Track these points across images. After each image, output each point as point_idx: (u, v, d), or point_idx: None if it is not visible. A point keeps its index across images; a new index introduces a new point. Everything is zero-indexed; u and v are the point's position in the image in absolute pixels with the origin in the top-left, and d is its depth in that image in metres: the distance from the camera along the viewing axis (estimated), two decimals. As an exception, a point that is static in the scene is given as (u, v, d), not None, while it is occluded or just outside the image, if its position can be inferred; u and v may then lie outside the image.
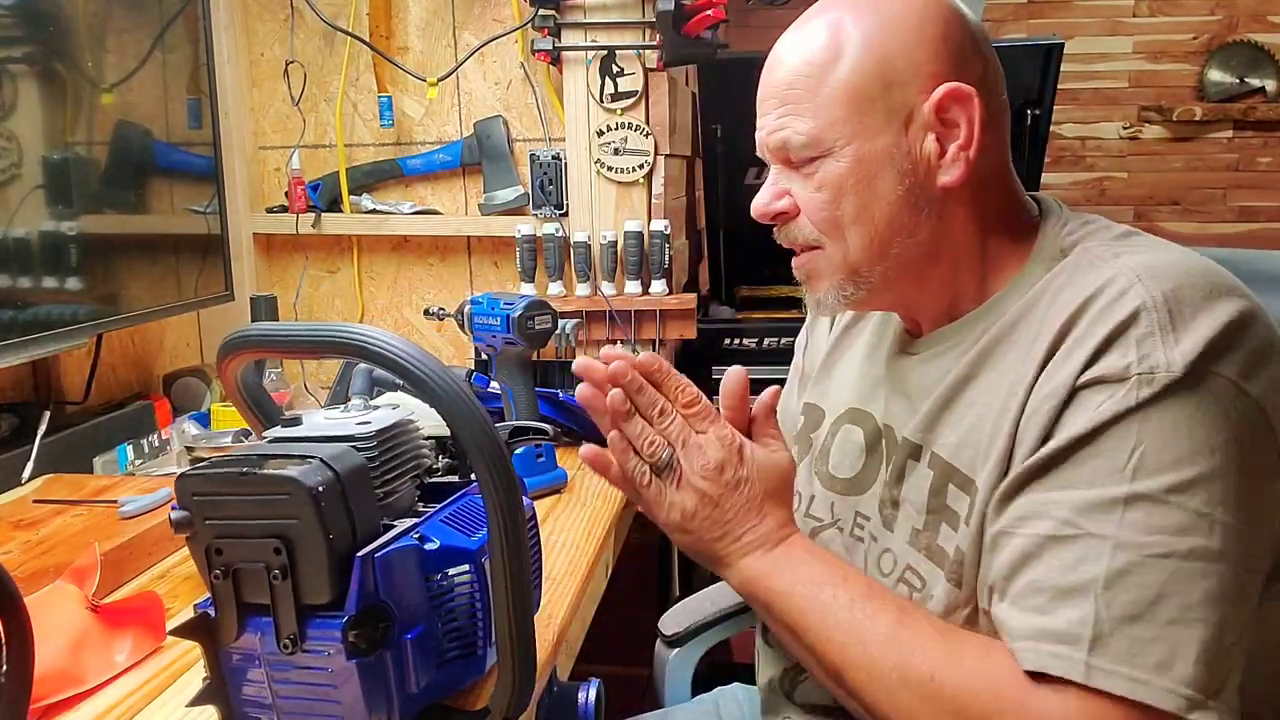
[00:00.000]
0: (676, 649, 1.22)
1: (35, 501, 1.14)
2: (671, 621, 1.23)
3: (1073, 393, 0.66)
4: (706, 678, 1.23)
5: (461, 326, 1.43)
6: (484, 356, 1.52)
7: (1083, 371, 0.66)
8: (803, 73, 0.77)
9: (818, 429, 0.92)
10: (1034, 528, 0.66)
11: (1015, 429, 0.70)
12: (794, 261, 0.82)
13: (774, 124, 0.79)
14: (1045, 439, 0.67)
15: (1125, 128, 3.63)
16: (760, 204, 0.81)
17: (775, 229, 0.82)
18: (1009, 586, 0.67)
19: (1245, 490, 0.64)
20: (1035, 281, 0.76)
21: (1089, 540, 0.63)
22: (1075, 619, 0.62)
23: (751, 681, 1.03)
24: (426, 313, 1.59)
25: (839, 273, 0.79)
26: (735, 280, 2.26)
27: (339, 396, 1.52)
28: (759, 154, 0.83)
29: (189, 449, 1.42)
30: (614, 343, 1.79)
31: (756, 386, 0.83)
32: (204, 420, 1.53)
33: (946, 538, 0.74)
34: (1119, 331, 0.66)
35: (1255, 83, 3.54)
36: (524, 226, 1.80)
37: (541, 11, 1.70)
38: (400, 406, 0.77)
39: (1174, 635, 0.61)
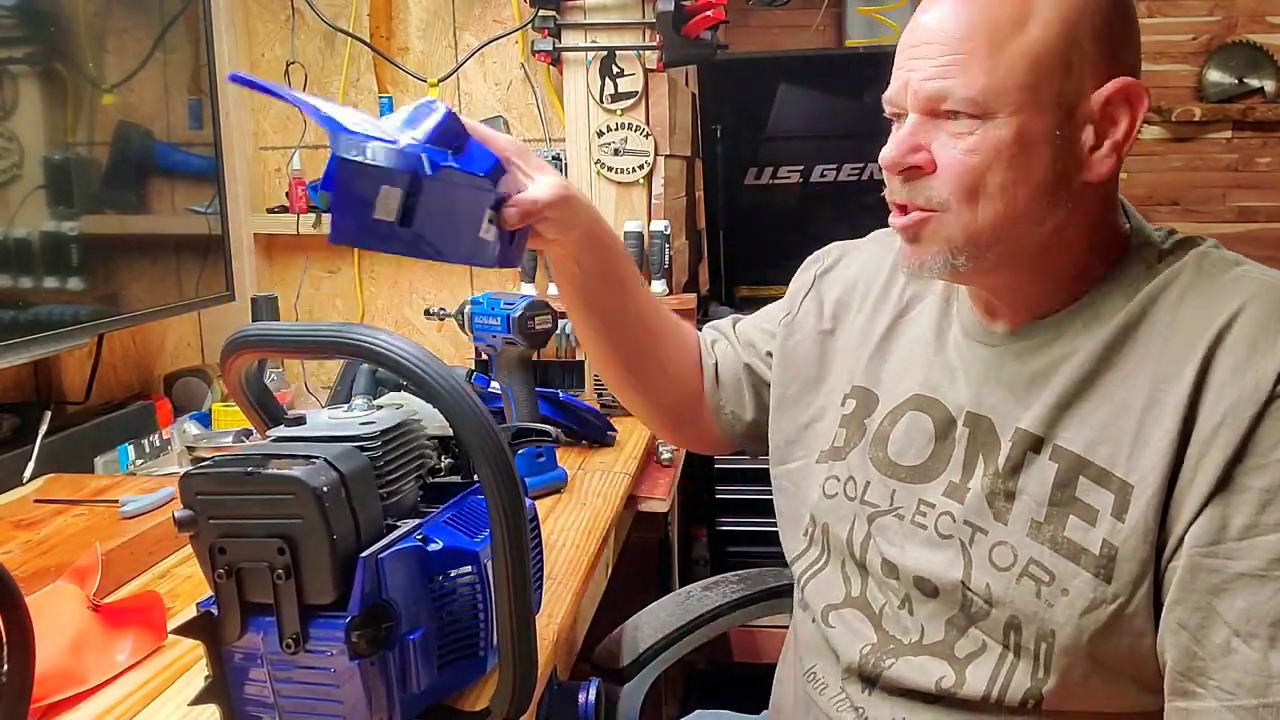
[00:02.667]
0: (628, 683, 1.09)
1: (36, 501, 1.14)
2: (612, 654, 1.10)
3: (1271, 399, 0.68)
4: (701, 683, 1.18)
5: (462, 326, 1.43)
6: (484, 356, 1.52)
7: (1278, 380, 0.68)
8: (984, 26, 0.73)
9: (871, 414, 0.90)
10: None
11: (1182, 429, 0.70)
12: (902, 220, 0.77)
13: (934, 70, 0.73)
14: (1245, 442, 0.68)
15: (1125, 128, 3.63)
16: (894, 154, 0.75)
17: (889, 182, 0.78)
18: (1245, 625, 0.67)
19: None
20: (1137, 281, 0.76)
21: None
22: None
23: (745, 685, 1.00)
24: (427, 313, 1.59)
25: (956, 241, 0.76)
26: (735, 280, 2.26)
27: (341, 396, 1.52)
28: (891, 100, 0.78)
29: (190, 449, 1.43)
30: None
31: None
32: (205, 420, 1.53)
33: (1078, 530, 0.73)
34: None
35: (1254, 83, 3.54)
36: (524, 227, 1.79)
37: (541, 12, 1.70)
38: (404, 407, 0.78)
39: None
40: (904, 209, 0.77)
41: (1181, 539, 0.70)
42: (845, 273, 0.98)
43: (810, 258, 1.04)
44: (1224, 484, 0.68)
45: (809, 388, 0.96)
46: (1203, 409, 0.70)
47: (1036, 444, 0.77)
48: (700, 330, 1.08)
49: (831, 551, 0.90)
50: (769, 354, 1.00)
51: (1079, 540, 0.73)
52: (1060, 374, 0.77)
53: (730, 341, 1.04)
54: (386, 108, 1.87)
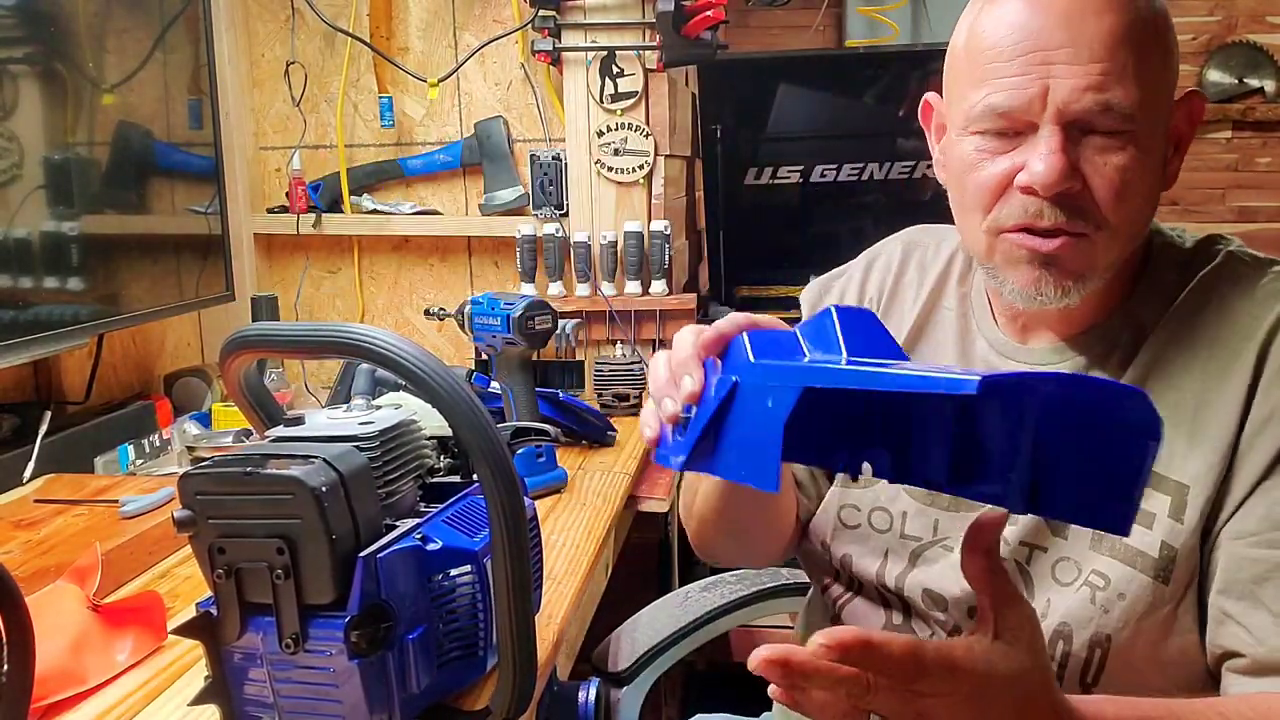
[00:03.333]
0: (627, 686, 1.09)
1: (36, 501, 1.14)
2: (611, 656, 1.10)
3: None
4: (701, 684, 1.18)
5: (462, 326, 1.43)
6: (484, 356, 1.52)
7: None
8: (1140, 26, 0.68)
9: None
10: None
11: (1236, 427, 0.70)
12: (1053, 245, 0.70)
13: (1093, 80, 0.67)
14: None
15: (1125, 128, 3.63)
16: (1054, 175, 0.67)
17: (1026, 205, 0.70)
18: None
19: None
20: (1171, 288, 0.76)
21: None
22: None
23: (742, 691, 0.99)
24: (427, 313, 1.59)
25: (1102, 262, 0.71)
26: (735, 280, 2.26)
27: (340, 396, 1.52)
28: (1012, 111, 0.69)
29: (190, 449, 1.43)
30: (614, 343, 1.79)
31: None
32: (205, 420, 1.53)
33: (1135, 534, 0.72)
34: None
35: (1254, 83, 3.54)
36: (524, 227, 1.80)
37: (541, 12, 1.70)
38: (403, 406, 0.78)
39: None
40: (1049, 233, 0.70)
41: (1223, 529, 0.70)
42: (844, 299, 0.95)
43: (805, 300, 0.98)
44: (1268, 474, 0.68)
45: None
46: (1255, 405, 0.70)
47: None
48: None
49: (862, 585, 0.87)
50: None
51: (1137, 545, 0.72)
52: None
53: None
54: (387, 108, 1.87)
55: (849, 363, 0.55)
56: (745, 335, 0.61)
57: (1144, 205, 0.72)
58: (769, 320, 0.64)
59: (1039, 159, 0.68)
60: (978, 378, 0.44)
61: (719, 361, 0.62)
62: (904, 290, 0.90)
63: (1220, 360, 0.72)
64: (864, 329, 0.58)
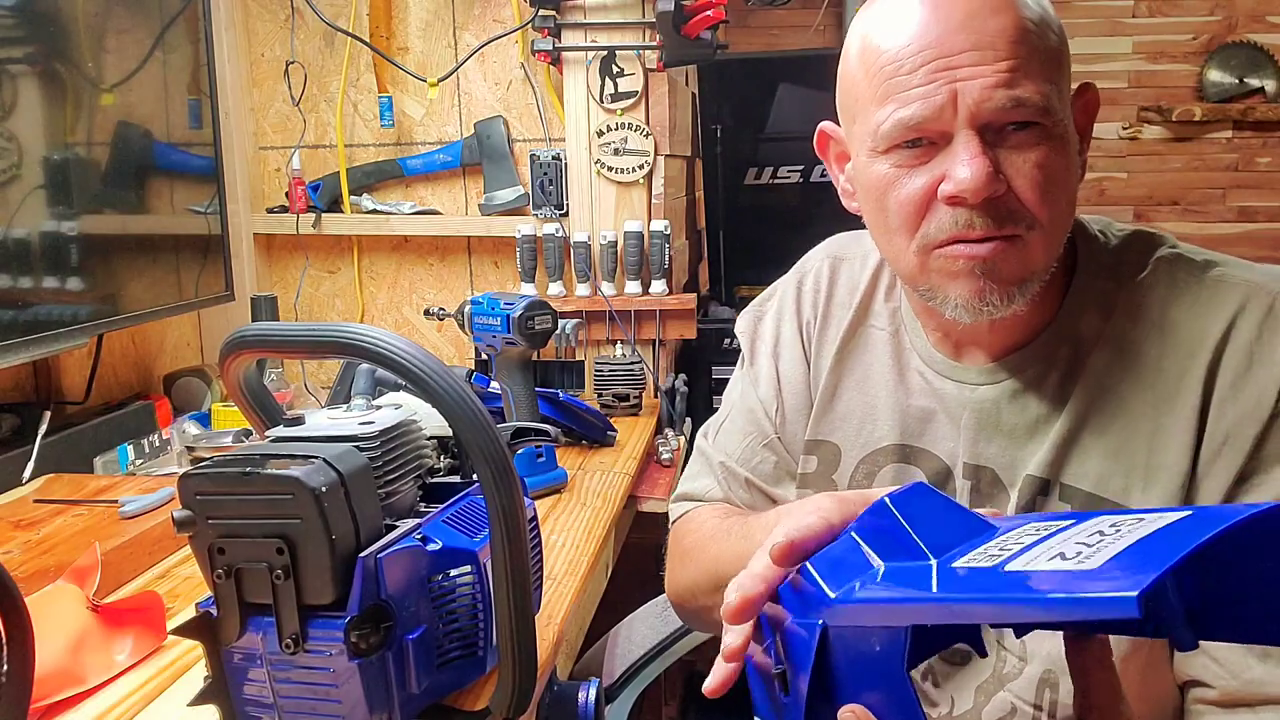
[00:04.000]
0: (612, 702, 1.07)
1: (36, 501, 1.14)
2: (594, 669, 1.07)
3: (1273, 415, 0.66)
4: (700, 683, 1.19)
5: (461, 326, 1.43)
6: (484, 356, 1.52)
7: None
8: (1034, 24, 0.67)
9: (838, 468, 0.85)
10: None
11: (1195, 448, 0.68)
12: (985, 249, 0.68)
13: (1001, 78, 0.65)
14: (1249, 468, 0.66)
15: (1125, 128, 3.63)
16: (981, 180, 0.65)
17: (956, 215, 0.68)
18: None
19: None
20: (1107, 295, 0.73)
21: None
22: None
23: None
24: (427, 313, 1.59)
25: (1038, 265, 0.69)
26: (735, 280, 2.26)
27: (340, 396, 1.52)
28: (924, 122, 0.67)
29: (189, 449, 1.43)
30: (614, 343, 1.79)
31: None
32: (204, 420, 1.53)
33: None
34: None
35: (1255, 83, 3.54)
36: (524, 226, 1.80)
37: (541, 12, 1.70)
38: (402, 407, 0.77)
39: None
40: (982, 241, 0.68)
41: None
42: (780, 331, 0.92)
43: (742, 335, 0.95)
44: (1228, 501, 0.67)
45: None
46: (1207, 431, 0.68)
47: (1044, 487, 0.74)
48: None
49: None
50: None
51: None
52: (1051, 413, 0.73)
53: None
54: (386, 108, 1.87)
55: (948, 577, 0.46)
56: (809, 565, 0.53)
57: (1069, 199, 0.70)
58: (809, 526, 0.56)
59: (962, 166, 0.66)
60: (1134, 593, 0.35)
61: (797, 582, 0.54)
62: (836, 310, 0.88)
63: (1168, 383, 0.69)
64: (928, 509, 0.51)
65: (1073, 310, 0.75)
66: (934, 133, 0.68)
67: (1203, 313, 0.70)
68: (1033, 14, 0.68)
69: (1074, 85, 0.73)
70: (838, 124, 0.81)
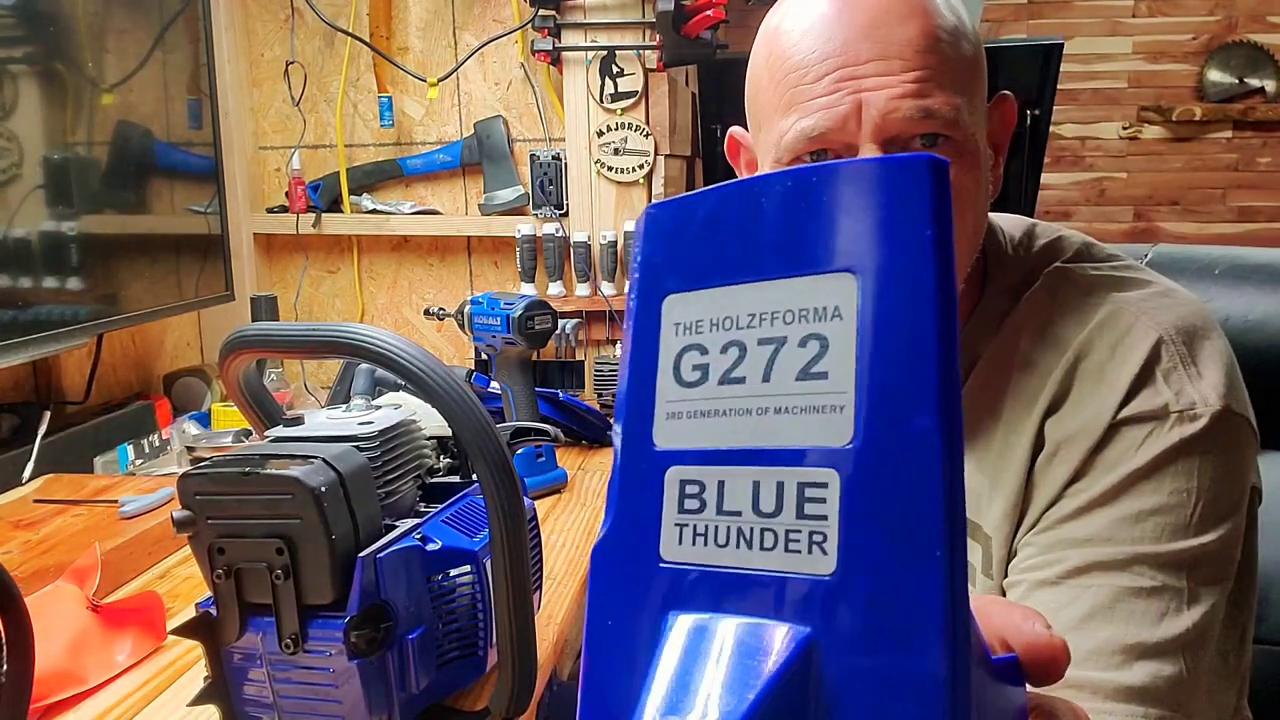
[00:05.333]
0: None
1: (36, 501, 1.14)
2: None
3: (1109, 430, 0.64)
4: None
5: (461, 326, 1.43)
6: (484, 356, 1.52)
7: (1119, 409, 0.64)
8: (946, 33, 0.64)
9: None
10: (1105, 579, 0.61)
11: (1029, 470, 0.67)
12: None
13: (910, 88, 0.62)
14: (1075, 479, 0.64)
15: (1125, 128, 3.64)
16: None
17: None
18: (1081, 641, 0.60)
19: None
20: (999, 316, 0.72)
21: (1168, 594, 0.60)
22: (1169, 676, 0.59)
23: None
24: (426, 313, 1.59)
25: None
26: (735, 280, 2.26)
27: (340, 396, 1.52)
28: (829, 134, 0.64)
29: (189, 449, 1.43)
30: (614, 343, 1.79)
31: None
32: (204, 420, 1.53)
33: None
34: (1147, 367, 0.64)
35: (1255, 83, 3.54)
36: (524, 226, 1.80)
37: (541, 12, 1.70)
38: (402, 406, 0.77)
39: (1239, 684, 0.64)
40: None
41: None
42: None
43: None
44: (1051, 506, 0.65)
45: None
46: (1046, 436, 0.66)
47: None
48: None
49: None
50: None
51: None
52: None
53: None
54: (386, 108, 1.87)
55: None
56: None
57: (979, 218, 0.68)
58: None
59: None
60: None
61: None
62: None
63: (1022, 397, 0.68)
64: None
65: (974, 331, 0.73)
66: (838, 145, 0.65)
67: (1067, 329, 0.68)
68: (945, 22, 0.65)
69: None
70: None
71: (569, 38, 1.74)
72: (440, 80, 1.84)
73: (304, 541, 0.61)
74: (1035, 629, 0.28)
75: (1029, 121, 2.19)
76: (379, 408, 0.76)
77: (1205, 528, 0.62)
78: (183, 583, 0.98)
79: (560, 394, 1.48)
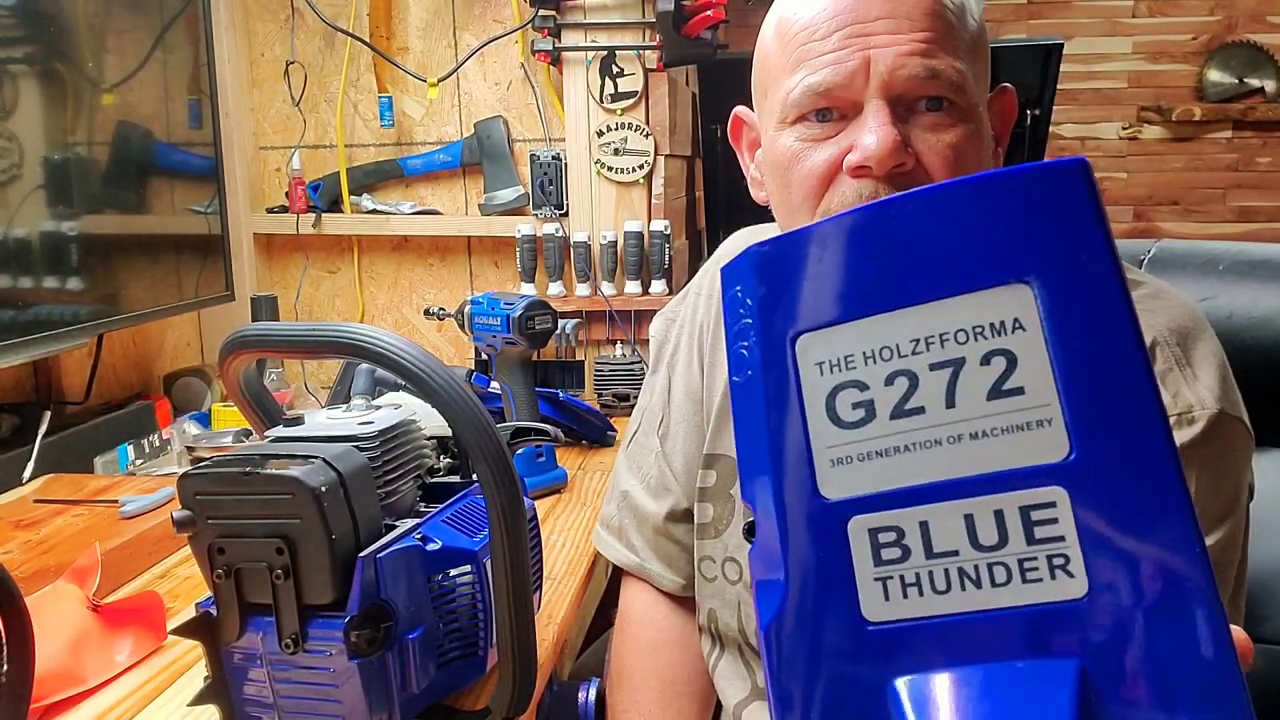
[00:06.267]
0: None
1: (36, 501, 1.14)
2: (593, 669, 1.07)
3: None
4: None
5: (461, 326, 1.43)
6: (484, 356, 1.52)
7: None
8: (952, 6, 0.65)
9: (737, 483, 0.80)
10: None
11: None
12: None
13: (916, 47, 0.63)
14: None
15: (1125, 128, 3.63)
16: (887, 148, 0.62)
17: (860, 187, 0.65)
18: None
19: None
20: None
21: None
22: None
23: None
24: (427, 313, 1.59)
25: None
26: (735, 280, 2.25)
27: (340, 396, 1.52)
28: (834, 89, 0.64)
29: (190, 449, 1.43)
30: (614, 343, 1.79)
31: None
32: (204, 420, 1.53)
33: None
34: None
35: (1254, 83, 3.54)
36: (524, 226, 1.80)
37: (541, 12, 1.70)
38: (402, 406, 0.77)
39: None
40: None
41: None
42: (680, 338, 0.89)
43: (654, 336, 0.94)
44: None
45: None
46: None
47: None
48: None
49: (724, 639, 0.83)
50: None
51: None
52: None
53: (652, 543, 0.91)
54: (386, 108, 1.87)
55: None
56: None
57: None
58: None
59: (869, 133, 0.63)
60: None
61: None
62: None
63: None
64: None
65: None
66: (844, 102, 0.65)
67: None
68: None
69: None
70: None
71: (569, 38, 1.74)
72: (440, 80, 1.84)
73: (304, 541, 0.61)
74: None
75: (1029, 121, 2.19)
76: (379, 408, 0.76)
77: (1203, 532, 0.62)
78: (183, 583, 0.98)
79: (560, 394, 1.48)
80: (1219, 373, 0.65)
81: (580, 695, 0.90)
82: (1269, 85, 3.53)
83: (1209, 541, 0.62)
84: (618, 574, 0.95)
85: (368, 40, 1.85)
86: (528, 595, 0.63)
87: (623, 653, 0.90)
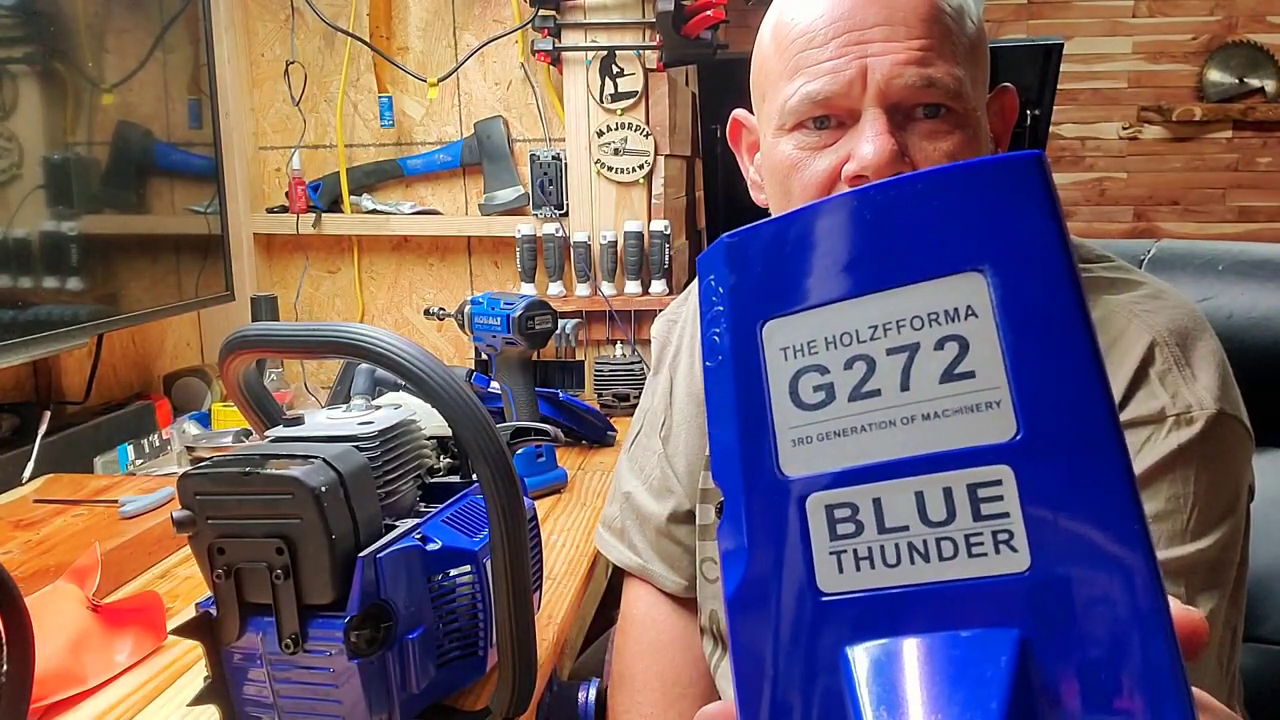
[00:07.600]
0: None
1: (36, 501, 1.14)
2: (593, 669, 1.07)
3: None
4: None
5: (461, 326, 1.43)
6: (484, 356, 1.52)
7: None
8: (951, 10, 0.65)
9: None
10: None
11: None
12: None
13: (912, 55, 0.63)
14: None
15: (1125, 128, 3.64)
16: (884, 156, 0.62)
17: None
18: None
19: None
20: None
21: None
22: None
23: None
24: (427, 313, 1.59)
25: None
26: (735, 280, 2.25)
27: (340, 396, 1.52)
28: (832, 97, 0.64)
29: (189, 449, 1.43)
30: (614, 343, 1.79)
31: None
32: (204, 420, 1.53)
33: None
34: (1142, 370, 0.64)
35: (1254, 83, 3.54)
36: (524, 226, 1.80)
37: (541, 12, 1.70)
38: (402, 406, 0.77)
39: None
40: None
41: None
42: (682, 339, 0.90)
43: (656, 337, 0.94)
44: None
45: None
46: None
47: None
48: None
49: (726, 640, 0.83)
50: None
51: None
52: None
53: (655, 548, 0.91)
54: (386, 108, 1.87)
55: None
56: None
57: None
58: None
59: (866, 143, 0.63)
60: None
61: None
62: None
63: None
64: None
65: None
66: (842, 110, 0.66)
67: None
68: (951, 1, 0.66)
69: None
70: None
71: (569, 38, 1.74)
72: (440, 80, 1.84)
73: (304, 541, 0.61)
74: (1176, 604, 0.27)
75: (1029, 121, 2.19)
76: (379, 408, 0.76)
77: (1201, 533, 0.62)
78: (183, 583, 0.98)
79: (560, 394, 1.48)
80: (1219, 373, 0.65)
81: (580, 695, 0.90)
82: (1269, 85, 3.53)
83: (1209, 541, 0.62)
84: (618, 574, 0.95)
85: (368, 40, 1.85)
86: (528, 595, 0.63)
87: (624, 654, 0.90)
